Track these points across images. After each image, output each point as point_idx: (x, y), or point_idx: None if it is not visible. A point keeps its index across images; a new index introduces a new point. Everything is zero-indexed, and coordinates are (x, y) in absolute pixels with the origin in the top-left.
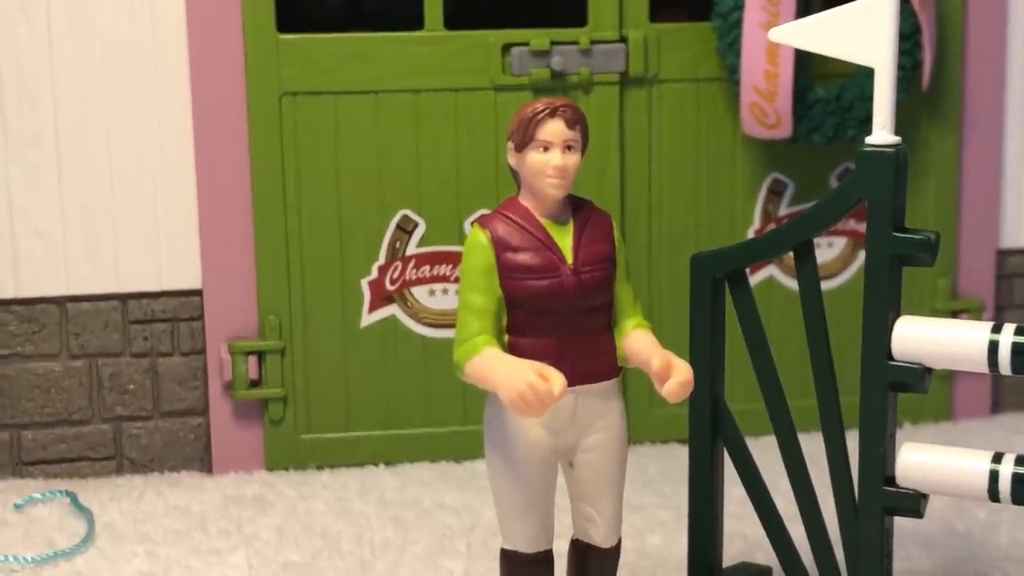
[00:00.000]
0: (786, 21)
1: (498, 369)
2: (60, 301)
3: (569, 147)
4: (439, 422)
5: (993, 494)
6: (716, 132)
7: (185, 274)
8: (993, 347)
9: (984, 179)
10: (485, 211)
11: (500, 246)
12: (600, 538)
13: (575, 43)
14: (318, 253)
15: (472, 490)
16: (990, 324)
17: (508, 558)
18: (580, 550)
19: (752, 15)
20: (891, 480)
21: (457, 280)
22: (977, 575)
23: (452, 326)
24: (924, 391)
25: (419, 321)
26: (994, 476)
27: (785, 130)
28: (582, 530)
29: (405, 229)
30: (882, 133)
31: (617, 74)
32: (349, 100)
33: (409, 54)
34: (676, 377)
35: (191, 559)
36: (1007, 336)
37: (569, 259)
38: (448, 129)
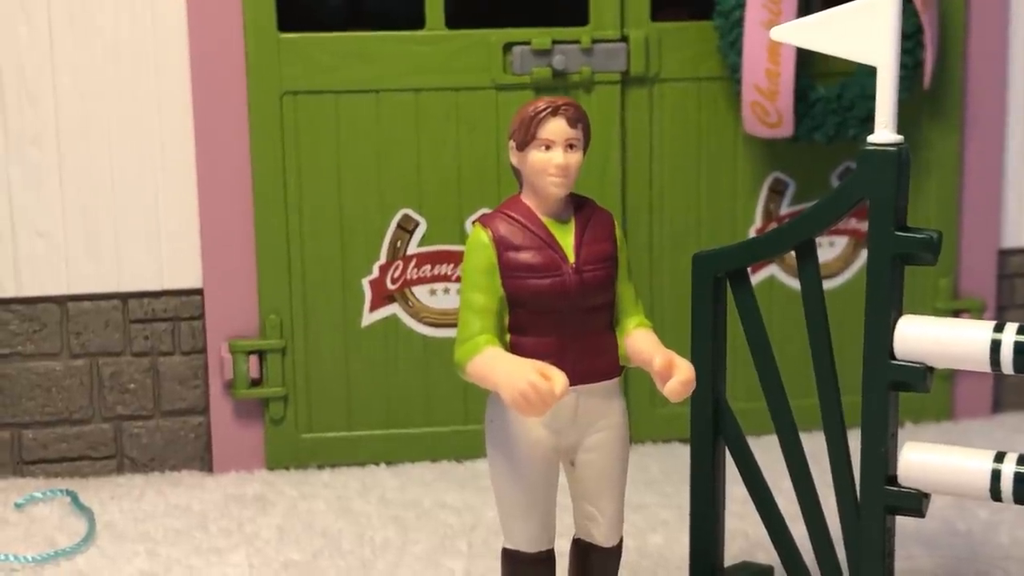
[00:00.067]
0: (788, 20)
1: (499, 368)
2: (61, 300)
3: (571, 146)
4: (440, 421)
5: (995, 493)
6: (717, 131)
7: (186, 273)
8: (995, 346)
9: (986, 178)
10: (486, 210)
11: (502, 245)
12: (602, 537)
13: (576, 42)
14: (319, 252)
15: (473, 489)
16: (992, 323)
17: (509, 557)
18: (582, 549)
19: (753, 14)
20: (893, 479)
21: (458, 279)
22: (978, 574)
23: (453, 325)
24: (926, 390)
25: (420, 320)
26: (996, 475)
27: (786, 129)
28: (584, 529)
29: (406, 228)
30: (884, 132)
31: (618, 73)
32: (350, 99)
33: (410, 53)
34: (678, 376)
35: (192, 558)
36: (1009, 335)
37: (571, 258)
38: (449, 128)
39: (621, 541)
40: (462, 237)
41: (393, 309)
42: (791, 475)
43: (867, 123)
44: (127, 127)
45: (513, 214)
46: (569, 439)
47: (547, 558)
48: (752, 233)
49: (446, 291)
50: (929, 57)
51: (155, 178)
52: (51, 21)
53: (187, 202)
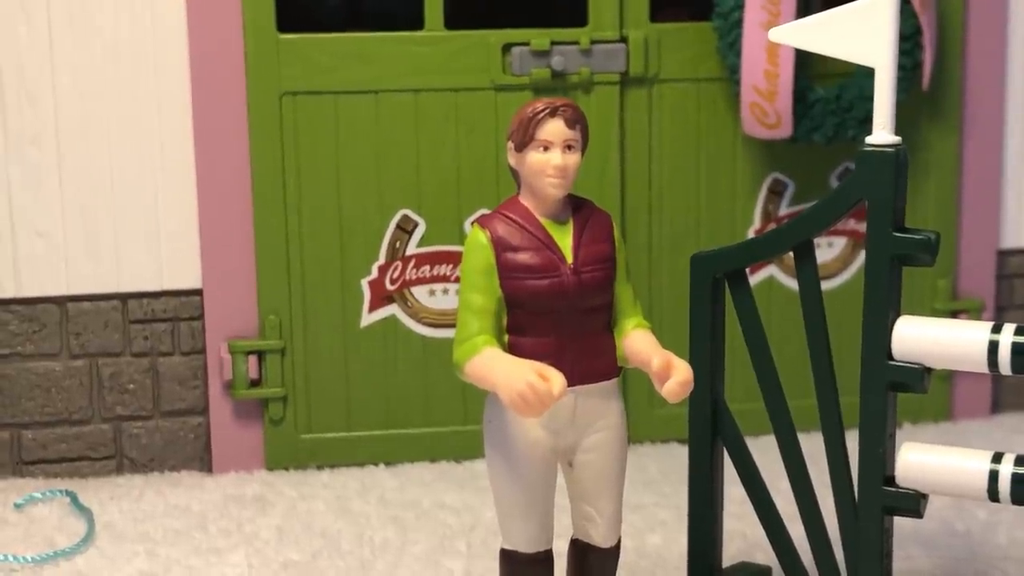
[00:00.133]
0: (787, 21)
1: (498, 369)
2: (60, 301)
3: (569, 147)
4: (439, 422)
5: (993, 494)
6: (716, 132)
7: (185, 274)
8: (993, 347)
9: (984, 179)
10: (485, 211)
11: (500, 246)
12: (600, 538)
13: (575, 43)
14: (318, 253)
15: (472, 490)
16: (990, 324)
17: (508, 558)
18: (580, 550)
19: (753, 15)
20: (891, 480)
21: (457, 280)
22: (977, 575)
23: (452, 326)
24: (924, 391)
25: (419, 321)
26: (994, 476)
27: (785, 130)
28: (582, 530)
29: (405, 229)
30: (882, 133)
31: (617, 74)
32: (349, 100)
33: (409, 54)
34: (676, 377)
35: (191, 558)
36: (1007, 336)
37: (569, 259)
38: (448, 129)
39: (619, 542)
40: (461, 238)
41: (392, 310)
42: (789, 476)
43: (866, 124)
44: (126, 127)
45: (511, 215)
46: (567, 440)
47: (545, 559)
48: (751, 234)
49: (445, 292)
50: (928, 58)
51: (155, 178)
52: (51, 21)
53: (186, 202)
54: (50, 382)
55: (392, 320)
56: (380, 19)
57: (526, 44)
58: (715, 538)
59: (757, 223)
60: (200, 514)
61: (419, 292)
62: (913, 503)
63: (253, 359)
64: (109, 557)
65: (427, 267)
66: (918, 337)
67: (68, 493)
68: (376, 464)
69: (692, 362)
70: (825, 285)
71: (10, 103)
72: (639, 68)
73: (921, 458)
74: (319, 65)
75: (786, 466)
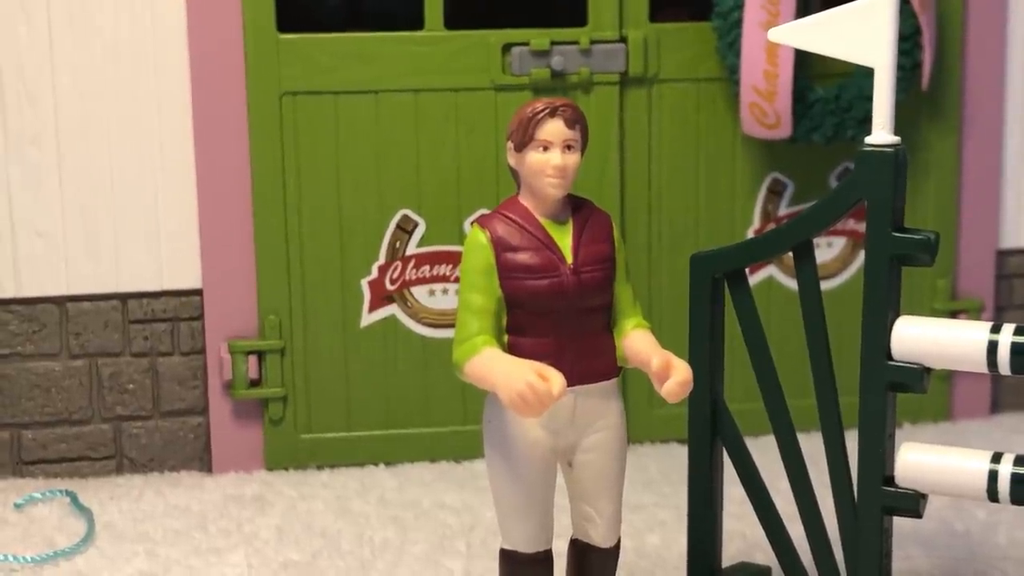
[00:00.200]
0: (786, 21)
1: (497, 369)
2: (60, 301)
3: (569, 147)
4: (439, 422)
5: (992, 494)
6: (716, 132)
7: (185, 274)
8: (992, 347)
9: (984, 179)
10: (485, 211)
11: (500, 246)
12: (599, 538)
13: (575, 43)
14: (318, 253)
15: (472, 490)
16: (989, 324)
17: (507, 558)
18: (579, 550)
19: (752, 15)
20: (890, 480)
21: (457, 280)
22: (976, 575)
23: (452, 326)
24: (923, 391)
25: (419, 321)
26: (993, 476)
27: (785, 130)
28: (581, 530)
29: (405, 229)
30: (881, 133)
31: (617, 74)
32: (349, 100)
33: (409, 54)
34: (675, 377)
35: (191, 558)
36: (1006, 336)
37: (569, 259)
38: (448, 129)
39: (619, 542)
40: (461, 238)
41: (392, 310)
42: (789, 476)
43: (865, 124)
44: (126, 127)
45: (511, 215)
46: (567, 440)
47: (545, 559)
48: (750, 233)
49: (445, 292)
50: (927, 58)
51: (154, 178)
52: (51, 21)
53: (186, 202)
54: (50, 382)
55: (392, 320)
56: (380, 19)
57: (526, 44)
58: (715, 538)
59: (756, 223)
60: (200, 514)
61: (419, 292)
62: (912, 503)
63: (253, 359)
64: (109, 557)
65: (427, 267)
66: (917, 337)
67: (68, 493)
68: (376, 464)
69: (691, 362)
70: (824, 285)
71: (10, 103)
72: (638, 68)
73: (920, 458)
74: (319, 65)
75: (785, 466)
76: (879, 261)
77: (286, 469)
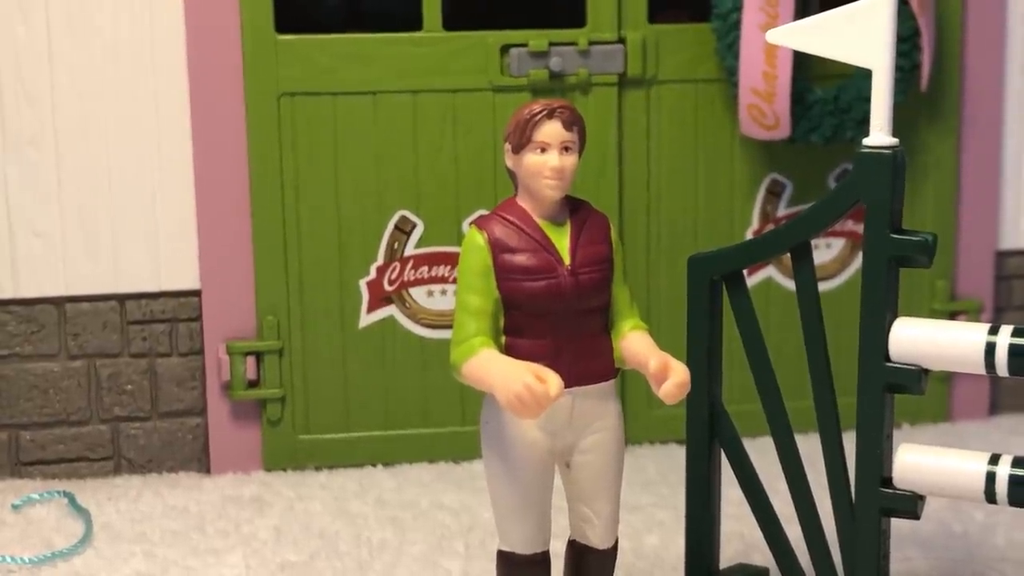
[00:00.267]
0: (785, 23)
1: (495, 370)
2: (59, 301)
3: (566, 148)
4: (437, 423)
5: (990, 496)
6: (714, 133)
7: (183, 274)
8: (990, 349)
9: (983, 180)
10: (483, 212)
11: (497, 247)
12: (597, 539)
13: (573, 44)
14: (316, 254)
15: (470, 491)
16: (987, 326)
17: (505, 559)
18: (577, 551)
19: (751, 16)
20: (888, 481)
21: (455, 281)
22: None
23: (450, 327)
24: (921, 393)
25: (417, 322)
26: (991, 478)
27: (783, 131)
28: (579, 531)
29: (403, 230)
30: (880, 135)
31: (615, 75)
32: (347, 101)
33: (407, 55)
34: (673, 378)
35: (189, 559)
36: (1004, 338)
37: (566, 260)
38: (446, 130)
39: (617, 543)
40: (459, 239)
41: (390, 310)
42: (787, 477)
43: (864, 125)
44: (125, 127)
45: (508, 216)
46: (565, 441)
47: (543, 560)
48: (749, 235)
49: (443, 292)
50: (926, 59)
51: (153, 179)
52: (49, 21)
53: (185, 203)
54: (48, 383)
55: (390, 321)
56: (378, 20)
57: (524, 45)
58: (713, 539)
59: (755, 224)
60: (198, 515)
61: (417, 293)
62: (910, 504)
63: (251, 360)
64: (107, 558)
65: (425, 268)
66: (915, 338)
67: (66, 494)
68: (374, 465)
69: (689, 363)
70: (823, 286)
71: (8, 103)
72: (637, 69)
73: (918, 459)
74: (317, 66)
75: (783, 467)
76: (877, 262)
77: (284, 470)
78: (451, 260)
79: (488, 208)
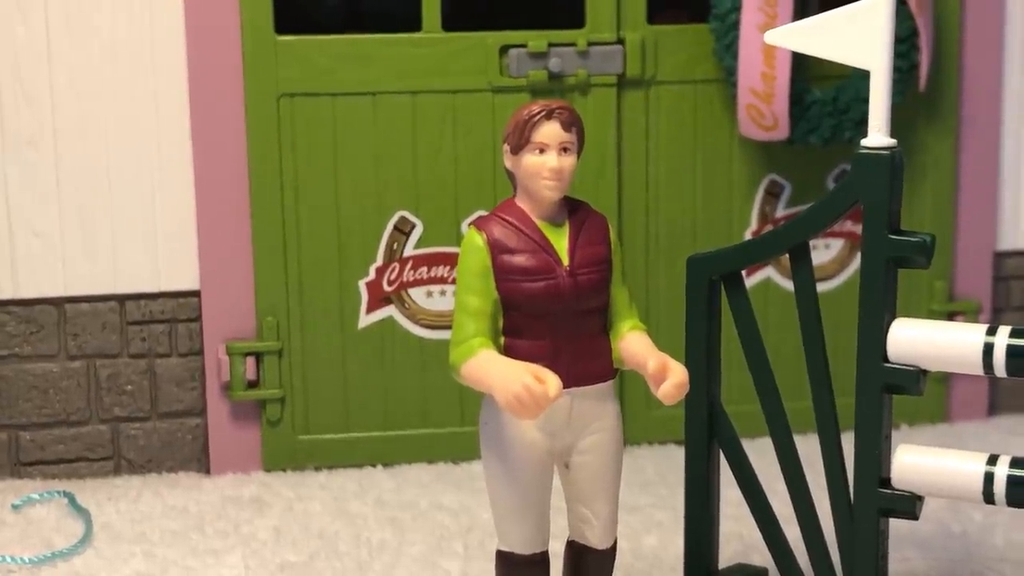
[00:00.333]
0: (783, 23)
1: (494, 371)
2: (58, 302)
3: (565, 149)
4: (436, 423)
5: (988, 496)
6: (713, 134)
7: (183, 275)
8: (988, 349)
9: (981, 181)
10: (483, 212)
11: (496, 248)
12: (596, 539)
13: (573, 45)
14: (316, 254)
15: (469, 491)
16: (985, 326)
17: (504, 559)
18: (576, 551)
19: (749, 17)
20: (886, 482)
21: (454, 282)
22: None
23: (449, 327)
24: (919, 393)
25: (416, 322)
26: (989, 478)
27: (782, 132)
28: (578, 531)
29: (403, 230)
30: (878, 136)
31: (614, 76)
32: (347, 101)
33: (407, 55)
34: (672, 379)
35: (188, 559)
36: (1002, 338)
37: (565, 261)
38: (446, 131)
39: (615, 543)
40: (458, 239)
41: (389, 311)
42: (785, 478)
43: (863, 126)
44: (124, 128)
45: (507, 217)
46: (563, 441)
47: (541, 560)
48: (748, 235)
49: (442, 293)
50: (924, 60)
51: (152, 179)
52: (48, 21)
53: (184, 203)
54: (48, 383)
55: (389, 321)
56: (378, 21)
57: (523, 46)
58: (711, 540)
59: (754, 225)
60: (197, 515)
61: (416, 294)
62: (909, 505)
63: (251, 360)
64: (106, 558)
65: (424, 268)
66: (914, 339)
67: (66, 494)
68: (373, 465)
69: (688, 364)
70: (821, 287)
71: (7, 103)
72: (636, 70)
73: (917, 460)
74: (317, 66)
75: (782, 468)
76: (875, 263)
77: (284, 470)
78: (450, 261)
79: (487, 209)
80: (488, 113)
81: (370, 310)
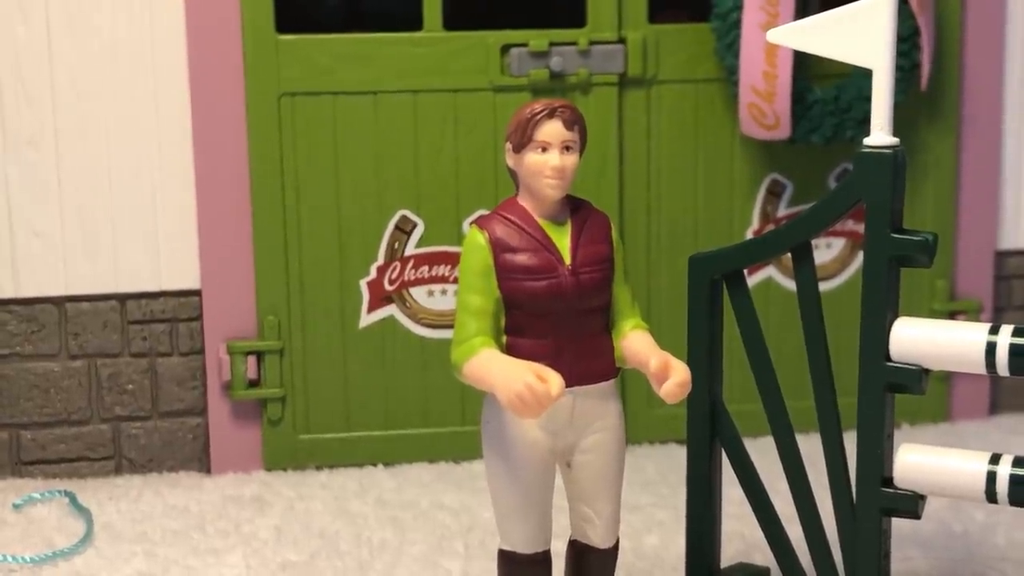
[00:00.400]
0: (785, 22)
1: (496, 370)
2: (59, 301)
3: (567, 148)
4: (437, 422)
5: (991, 495)
6: (715, 133)
7: (184, 274)
8: (991, 348)
9: (983, 180)
10: (484, 211)
11: (498, 247)
12: (598, 539)
13: (574, 44)
14: (317, 253)
15: (470, 491)
16: (987, 325)
17: (506, 559)
18: (578, 551)
19: (751, 16)
20: (889, 481)
21: (455, 281)
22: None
23: (451, 327)
24: (921, 392)
25: (418, 322)
26: (991, 477)
27: (784, 131)
28: (580, 531)
29: (404, 229)
30: (880, 134)
31: (616, 75)
32: (348, 101)
33: (408, 55)
34: (674, 378)
35: (189, 559)
36: (1004, 337)
37: (567, 260)
38: (447, 130)
39: (617, 542)
40: (460, 238)
41: (391, 310)
42: (787, 477)
43: (864, 125)
44: (125, 127)
45: (509, 216)
46: (565, 440)
47: (543, 559)
48: (749, 234)
49: (444, 292)
50: (926, 59)
51: (153, 179)
52: (49, 21)
53: (185, 203)
54: (49, 382)
55: (391, 321)
56: (379, 20)
57: (524, 45)
58: (713, 539)
59: (755, 224)
60: (198, 515)
61: (418, 293)
62: (911, 504)
63: (252, 360)
64: (107, 557)
65: (426, 268)
66: (916, 338)
67: (67, 493)
68: (374, 464)
69: (690, 363)
70: (823, 286)
71: (8, 103)
72: (637, 69)
73: (919, 459)
74: (318, 66)
75: (784, 467)
76: (878, 262)
77: (284, 470)
78: (451, 260)
79: (488, 207)
80: (489, 112)
81: (371, 309)
